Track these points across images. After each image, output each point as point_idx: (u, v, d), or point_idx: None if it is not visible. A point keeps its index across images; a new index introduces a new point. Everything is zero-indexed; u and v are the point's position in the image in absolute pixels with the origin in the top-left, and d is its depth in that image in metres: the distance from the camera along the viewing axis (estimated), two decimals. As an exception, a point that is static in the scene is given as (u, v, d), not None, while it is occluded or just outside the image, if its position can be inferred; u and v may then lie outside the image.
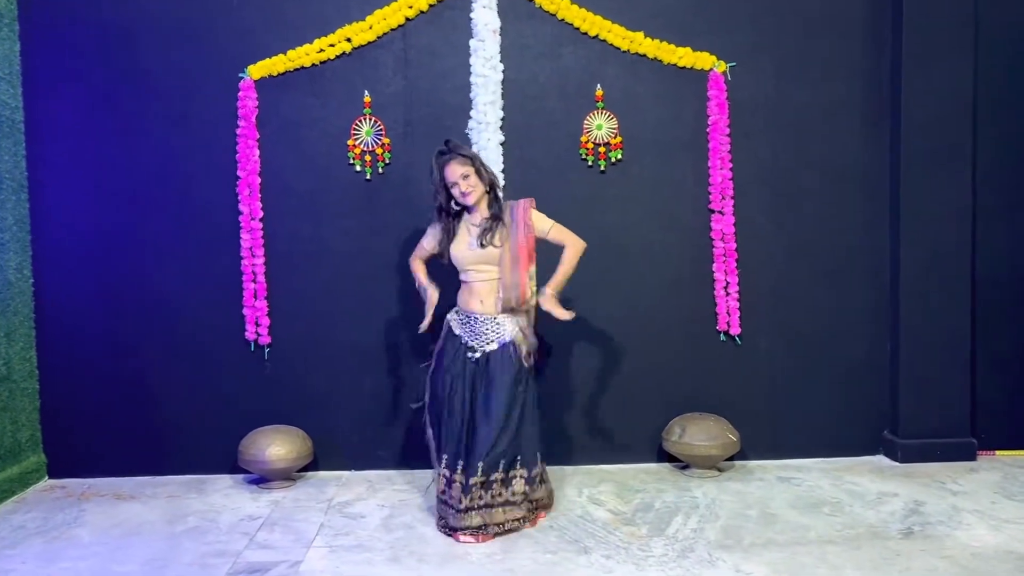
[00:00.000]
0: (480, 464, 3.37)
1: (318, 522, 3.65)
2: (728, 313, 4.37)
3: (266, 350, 4.29)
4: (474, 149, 4.21)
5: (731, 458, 4.29)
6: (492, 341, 3.48)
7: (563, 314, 3.48)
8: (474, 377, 3.45)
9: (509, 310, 3.50)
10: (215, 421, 4.28)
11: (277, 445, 4.06)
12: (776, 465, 4.37)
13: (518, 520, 3.44)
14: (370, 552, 3.31)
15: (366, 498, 3.97)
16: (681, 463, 4.30)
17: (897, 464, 4.34)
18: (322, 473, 4.33)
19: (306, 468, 4.28)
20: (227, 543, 3.42)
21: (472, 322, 3.50)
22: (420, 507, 3.81)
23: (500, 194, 3.61)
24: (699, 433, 4.14)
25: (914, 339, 4.34)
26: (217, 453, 4.26)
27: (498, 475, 3.39)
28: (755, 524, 3.54)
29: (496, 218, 3.50)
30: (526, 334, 3.52)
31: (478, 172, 3.49)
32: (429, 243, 3.65)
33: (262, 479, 4.14)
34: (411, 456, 4.26)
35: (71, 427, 4.28)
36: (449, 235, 3.55)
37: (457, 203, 3.54)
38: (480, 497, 3.38)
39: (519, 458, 3.45)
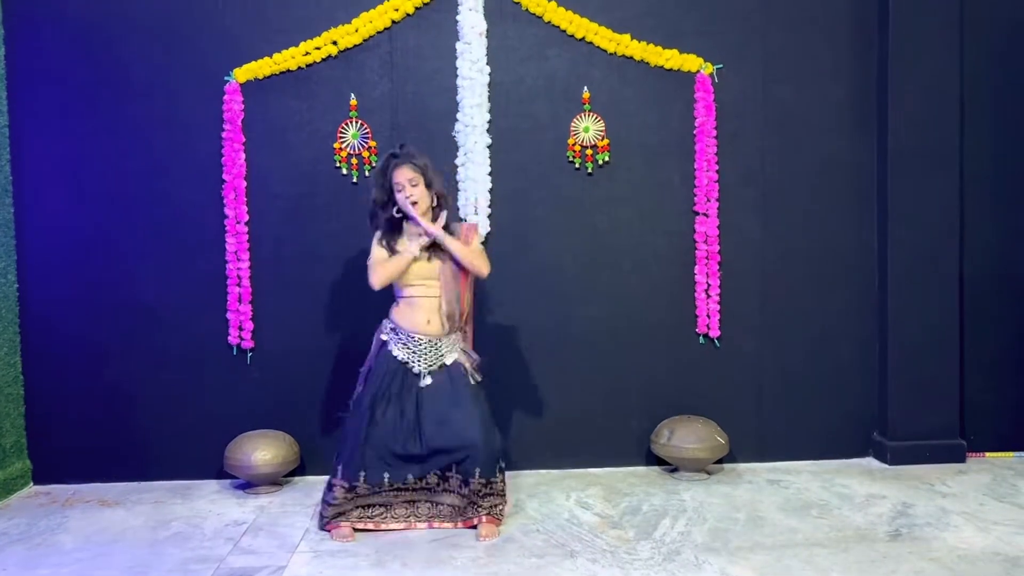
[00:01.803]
0: (477, 470, 3.39)
1: (303, 527, 3.62)
2: (708, 316, 4.35)
3: (248, 355, 4.25)
4: (460, 151, 4.22)
5: (720, 461, 4.27)
6: (435, 364, 3.48)
7: (429, 226, 3.43)
8: (418, 399, 3.44)
9: (451, 329, 3.49)
10: (201, 426, 4.24)
11: (263, 450, 4.03)
12: (765, 468, 4.35)
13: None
14: (355, 557, 3.28)
15: (352, 503, 3.93)
16: (670, 466, 4.28)
17: (887, 466, 4.32)
18: (309, 478, 4.30)
19: (293, 473, 4.24)
20: (211, 549, 3.40)
21: (414, 344, 3.47)
22: (406, 511, 3.77)
23: (449, 210, 3.57)
24: (688, 436, 4.12)
25: (902, 340, 4.32)
26: (204, 458, 4.23)
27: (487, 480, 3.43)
28: (742, 527, 3.52)
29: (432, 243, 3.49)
30: (467, 352, 3.56)
31: (427, 184, 3.47)
32: (381, 256, 3.52)
33: (248, 484, 4.11)
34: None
35: (56, 433, 4.25)
36: (390, 249, 3.50)
37: (397, 210, 3.49)
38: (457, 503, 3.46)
39: (477, 471, 3.43)
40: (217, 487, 4.20)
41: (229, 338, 4.24)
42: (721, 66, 4.31)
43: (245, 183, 4.21)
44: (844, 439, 4.45)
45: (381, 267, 3.46)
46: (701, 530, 3.49)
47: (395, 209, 3.50)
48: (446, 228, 3.52)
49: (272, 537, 3.51)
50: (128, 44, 4.19)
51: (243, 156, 4.19)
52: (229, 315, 4.23)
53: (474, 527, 3.46)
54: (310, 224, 4.26)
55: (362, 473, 3.44)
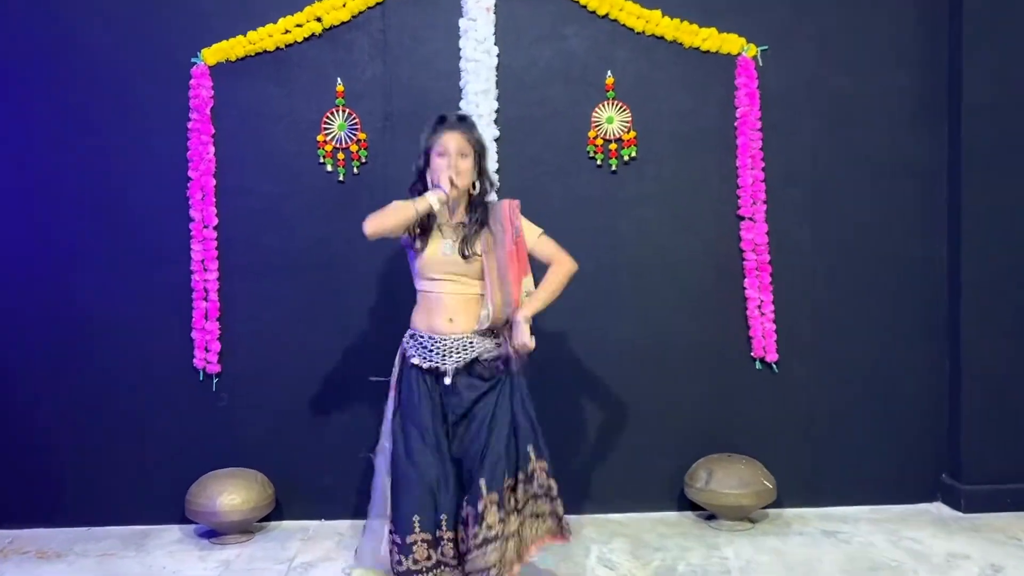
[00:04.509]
0: (483, 483, 2.64)
1: (274, 590, 3.05)
2: (764, 337, 3.86)
3: (215, 380, 3.80)
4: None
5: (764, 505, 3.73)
6: (460, 360, 2.75)
7: (528, 343, 2.76)
8: (445, 408, 2.76)
9: (488, 329, 2.81)
10: (161, 463, 3.79)
11: (230, 493, 3.52)
12: (817, 515, 3.81)
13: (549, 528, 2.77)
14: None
15: (334, 557, 3.39)
16: (705, 512, 3.75)
17: (961, 515, 3.76)
18: (286, 523, 3.80)
19: (268, 517, 3.74)
20: (158, 620, 2.83)
21: (434, 344, 2.78)
22: (397, 570, 3.20)
23: (489, 201, 2.94)
24: (729, 478, 3.59)
25: (977, 367, 3.82)
26: (164, 500, 3.75)
27: (508, 482, 2.68)
28: (802, 596, 2.93)
29: (480, 223, 2.82)
30: (500, 344, 2.82)
31: (477, 161, 2.82)
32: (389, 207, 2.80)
33: (215, 532, 3.59)
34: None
35: (-6, 470, 3.78)
36: (422, 237, 2.79)
37: (423, 186, 2.81)
38: (500, 520, 2.64)
39: (530, 451, 2.74)
40: (179, 535, 3.68)
41: (194, 361, 3.78)
42: (766, 48, 3.85)
43: (214, 181, 3.78)
44: (908, 481, 3.94)
45: (379, 213, 2.71)
46: (752, 601, 2.91)
47: (429, 178, 2.78)
48: (482, 206, 2.83)
49: (234, 605, 2.94)
50: (80, 21, 3.75)
51: (212, 150, 3.77)
52: (194, 334, 3.78)
53: None
54: (289, 229, 3.82)
55: (442, 516, 2.67)
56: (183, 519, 3.68)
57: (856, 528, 3.62)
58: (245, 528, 3.60)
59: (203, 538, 3.61)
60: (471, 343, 2.76)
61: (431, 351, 2.75)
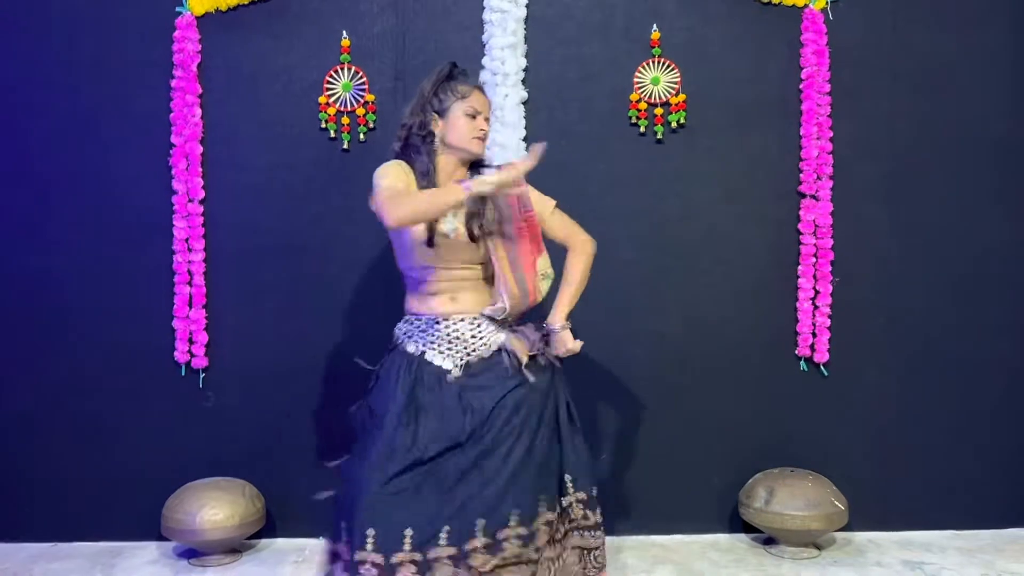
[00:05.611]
0: (480, 521, 2.22)
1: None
2: (814, 333, 3.47)
3: (201, 375, 3.45)
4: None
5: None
6: (472, 350, 2.33)
7: (574, 348, 2.43)
8: (454, 409, 2.28)
9: (501, 312, 2.39)
10: (136, 471, 3.43)
11: (212, 507, 3.11)
12: (893, 541, 3.38)
13: None
14: None
15: (332, 583, 2.95)
16: (762, 534, 3.35)
17: (1061, 542, 3.32)
18: (279, 541, 3.43)
19: (258, 534, 3.36)
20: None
21: (436, 328, 2.36)
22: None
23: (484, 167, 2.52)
24: (793, 498, 3.15)
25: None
26: (139, 513, 3.39)
27: (511, 529, 2.24)
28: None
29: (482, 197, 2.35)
30: (521, 331, 2.40)
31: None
32: (402, 183, 2.37)
33: (196, 551, 3.21)
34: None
35: (-53, 476, 3.43)
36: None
37: (429, 142, 2.38)
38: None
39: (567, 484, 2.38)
40: (156, 553, 3.29)
41: (176, 354, 3.44)
42: (838, -2, 3.48)
43: (200, 148, 3.45)
44: (999, 502, 3.53)
45: (409, 198, 2.24)
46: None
47: (431, 138, 2.40)
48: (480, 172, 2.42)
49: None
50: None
51: (198, 112, 3.45)
52: (176, 323, 3.44)
53: None
54: (286, 204, 3.48)
55: (409, 531, 2.20)
56: (160, 535, 3.31)
57: (944, 559, 3.16)
58: (230, 547, 3.21)
59: (182, 558, 3.22)
60: (478, 326, 2.33)
61: (431, 335, 2.31)
